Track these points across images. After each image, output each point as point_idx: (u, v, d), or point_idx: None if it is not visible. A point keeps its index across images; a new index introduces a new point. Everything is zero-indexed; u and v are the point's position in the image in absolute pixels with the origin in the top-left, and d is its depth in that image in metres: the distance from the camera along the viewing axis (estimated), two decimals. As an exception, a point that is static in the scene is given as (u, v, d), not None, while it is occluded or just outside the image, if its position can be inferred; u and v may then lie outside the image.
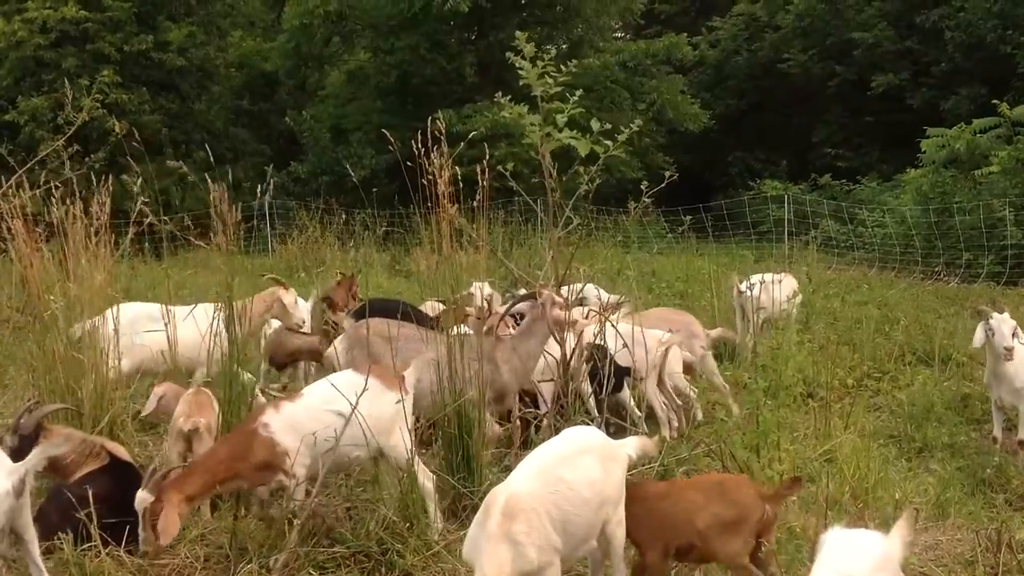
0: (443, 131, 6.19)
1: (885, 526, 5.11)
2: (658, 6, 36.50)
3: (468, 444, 5.79)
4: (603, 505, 4.30)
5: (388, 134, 7.03)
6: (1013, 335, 7.00)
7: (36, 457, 4.45)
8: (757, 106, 35.44)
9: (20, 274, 7.48)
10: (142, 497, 4.57)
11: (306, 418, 5.08)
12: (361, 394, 5.11)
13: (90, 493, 4.85)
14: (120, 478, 5.14)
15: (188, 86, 29.46)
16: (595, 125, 6.03)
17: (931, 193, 19.20)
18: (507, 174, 6.39)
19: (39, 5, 25.57)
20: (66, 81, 10.14)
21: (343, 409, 5.10)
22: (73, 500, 4.81)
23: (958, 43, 27.75)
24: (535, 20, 28.23)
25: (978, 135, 20.19)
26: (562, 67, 6.12)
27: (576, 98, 6.15)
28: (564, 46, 30.39)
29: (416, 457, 5.43)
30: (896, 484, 6.11)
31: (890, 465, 6.57)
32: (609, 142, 6.04)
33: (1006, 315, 7.08)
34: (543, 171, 6.13)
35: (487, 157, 6.82)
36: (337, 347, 6.96)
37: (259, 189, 9.46)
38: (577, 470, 4.20)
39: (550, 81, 6.05)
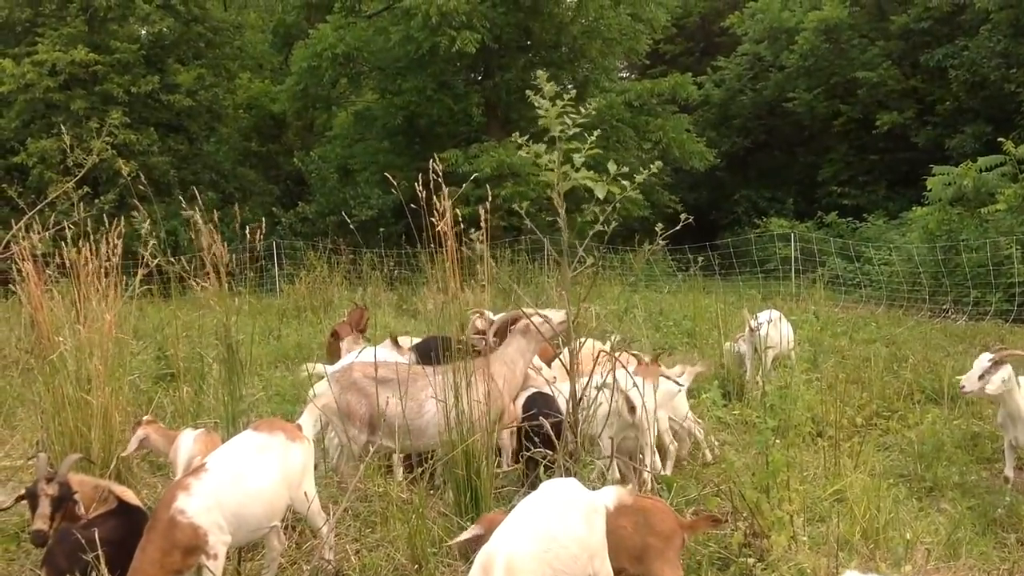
0: (440, 173, 6.22)
1: (896, 567, 5.10)
2: (663, 46, 36.75)
3: (476, 485, 5.77)
4: (591, 560, 4.27)
5: (391, 176, 7.07)
6: (980, 377, 6.99)
7: None
8: (763, 145, 35.64)
9: (30, 315, 7.50)
10: None
11: (220, 494, 4.78)
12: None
13: (97, 536, 4.83)
14: (128, 521, 5.12)
15: (197, 127, 29.78)
16: (612, 168, 6.03)
17: (937, 231, 19.19)
18: (521, 212, 6.41)
19: (48, 48, 25.91)
20: (73, 125, 10.24)
21: (256, 478, 4.92)
22: (82, 542, 4.78)
23: (962, 82, 27.91)
24: (541, 61, 28.44)
25: (984, 173, 20.22)
26: (581, 109, 6.14)
27: (594, 138, 6.17)
28: (570, 86, 30.61)
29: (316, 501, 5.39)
30: (907, 524, 6.06)
31: (901, 505, 6.52)
32: (627, 182, 6.05)
33: (983, 356, 7.10)
34: (556, 211, 6.14)
35: (491, 197, 6.85)
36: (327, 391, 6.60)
37: (260, 231, 9.22)
38: (566, 527, 4.18)
39: (568, 122, 6.06)
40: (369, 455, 6.18)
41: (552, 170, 6.12)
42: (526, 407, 6.78)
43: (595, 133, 6.23)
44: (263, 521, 4.95)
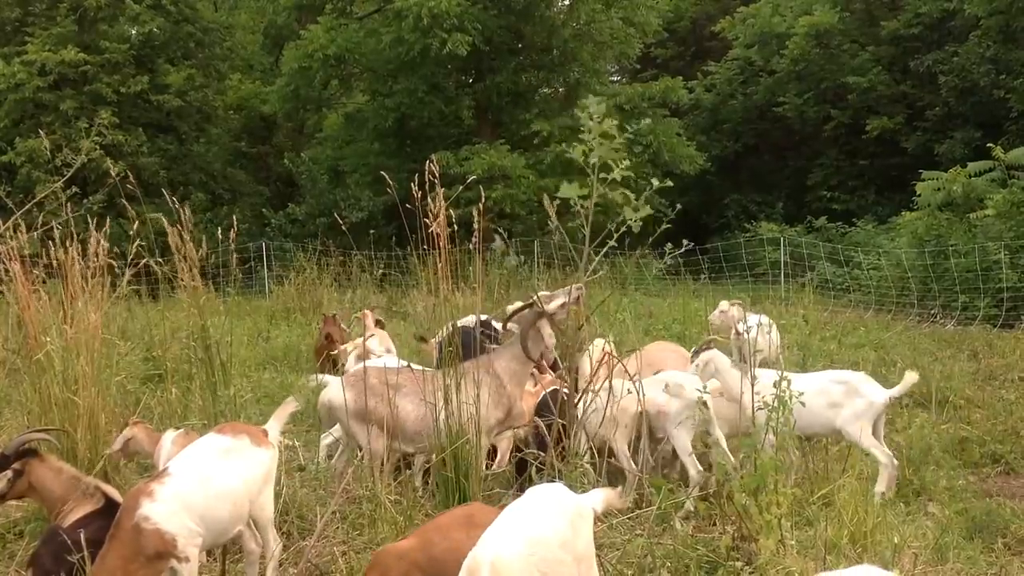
0: (436, 174, 6.20)
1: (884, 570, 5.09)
2: (654, 50, 36.75)
3: (465, 487, 5.75)
4: (577, 564, 4.25)
5: (387, 176, 7.06)
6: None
7: None
8: (753, 149, 35.68)
9: (17, 316, 7.47)
10: None
11: (186, 497, 4.75)
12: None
13: (83, 537, 4.79)
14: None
15: (186, 128, 29.69)
16: (655, 183, 6.08)
17: (926, 236, 19.24)
18: (510, 214, 6.42)
19: (38, 48, 25.80)
20: (62, 124, 10.20)
21: (222, 480, 4.86)
22: (68, 543, 4.75)
23: (952, 87, 27.99)
24: (532, 64, 28.45)
25: (973, 178, 20.28)
26: (626, 127, 6.16)
27: (629, 162, 6.18)
28: (561, 90, 30.63)
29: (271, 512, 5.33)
30: (894, 528, 6.05)
31: (888, 509, 6.53)
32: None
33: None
34: (583, 219, 6.17)
35: (483, 199, 6.84)
36: (342, 396, 6.46)
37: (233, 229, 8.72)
38: (552, 531, 4.14)
39: (613, 149, 6.07)
40: (356, 458, 6.17)
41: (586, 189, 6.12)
42: (539, 407, 6.79)
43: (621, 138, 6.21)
44: (229, 525, 4.92)
